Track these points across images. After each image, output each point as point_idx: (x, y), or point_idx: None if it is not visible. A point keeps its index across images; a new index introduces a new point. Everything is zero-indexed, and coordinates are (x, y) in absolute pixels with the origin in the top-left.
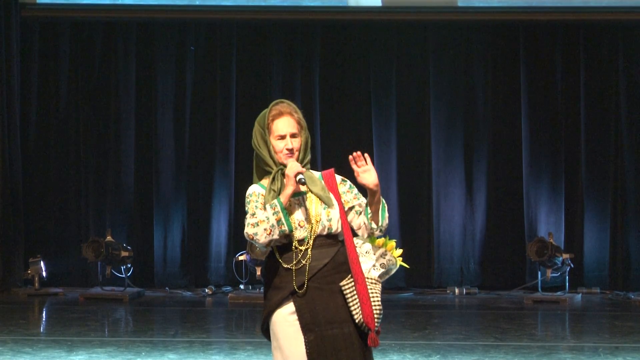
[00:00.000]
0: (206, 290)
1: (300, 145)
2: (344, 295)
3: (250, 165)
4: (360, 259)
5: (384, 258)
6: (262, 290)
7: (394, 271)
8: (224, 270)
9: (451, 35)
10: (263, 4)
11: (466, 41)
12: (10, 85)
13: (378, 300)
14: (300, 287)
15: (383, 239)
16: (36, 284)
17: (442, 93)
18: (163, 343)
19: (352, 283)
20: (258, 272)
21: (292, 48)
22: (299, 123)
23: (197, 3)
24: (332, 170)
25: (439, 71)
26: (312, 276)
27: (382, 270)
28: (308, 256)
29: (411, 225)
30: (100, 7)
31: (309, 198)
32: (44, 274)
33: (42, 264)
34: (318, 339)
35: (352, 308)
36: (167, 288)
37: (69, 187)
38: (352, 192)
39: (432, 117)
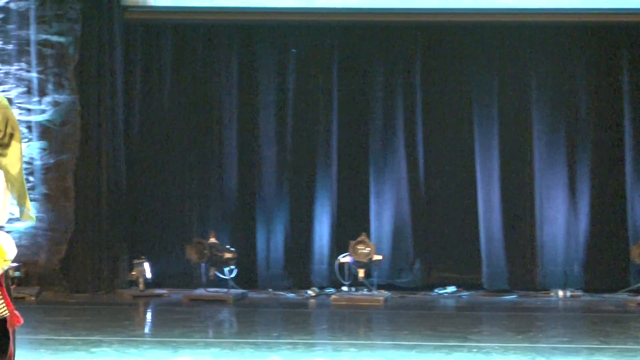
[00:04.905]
0: (309, 292)
1: None
2: None
3: (352, 166)
4: None
5: None
6: (365, 292)
7: None
8: (327, 271)
9: (553, 37)
10: (363, 6)
11: (568, 43)
12: (114, 88)
13: None
14: None
15: None
16: (141, 286)
17: (544, 95)
18: (267, 344)
19: None
20: (361, 274)
21: (393, 50)
22: None
23: (299, 6)
24: None
25: (541, 73)
26: None
27: None
28: None
29: (514, 228)
30: (202, 10)
31: None
32: (149, 275)
33: (146, 265)
34: None
35: None
36: (270, 290)
37: (173, 189)
38: None
39: (534, 119)
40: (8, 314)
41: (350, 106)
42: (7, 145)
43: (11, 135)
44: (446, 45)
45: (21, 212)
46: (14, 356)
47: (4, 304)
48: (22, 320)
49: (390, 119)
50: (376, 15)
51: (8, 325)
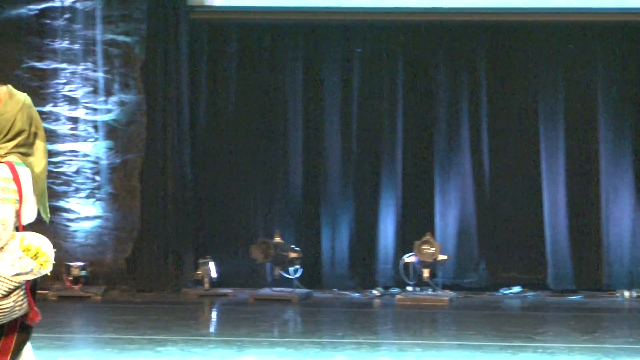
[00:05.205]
0: (374, 292)
1: None
2: None
3: (417, 165)
4: (1, 254)
5: (22, 260)
6: (430, 292)
7: (30, 276)
8: (392, 271)
9: (620, 37)
10: (428, 6)
11: (635, 43)
12: (180, 88)
13: (4, 300)
14: None
15: (30, 244)
16: (206, 285)
17: (611, 95)
18: (332, 344)
19: None
20: (426, 274)
21: (458, 50)
22: None
23: (364, 5)
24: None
25: (608, 73)
26: None
27: (19, 270)
28: None
29: (580, 228)
30: (267, 9)
31: None
32: (214, 274)
33: (212, 264)
34: None
35: None
36: (335, 289)
37: (238, 188)
38: None
39: (600, 119)
40: (29, 310)
41: (415, 106)
42: (32, 144)
43: (35, 134)
44: (511, 45)
45: (39, 210)
46: (16, 352)
47: (25, 300)
48: (40, 317)
49: (455, 119)
50: (441, 14)
51: (28, 321)
